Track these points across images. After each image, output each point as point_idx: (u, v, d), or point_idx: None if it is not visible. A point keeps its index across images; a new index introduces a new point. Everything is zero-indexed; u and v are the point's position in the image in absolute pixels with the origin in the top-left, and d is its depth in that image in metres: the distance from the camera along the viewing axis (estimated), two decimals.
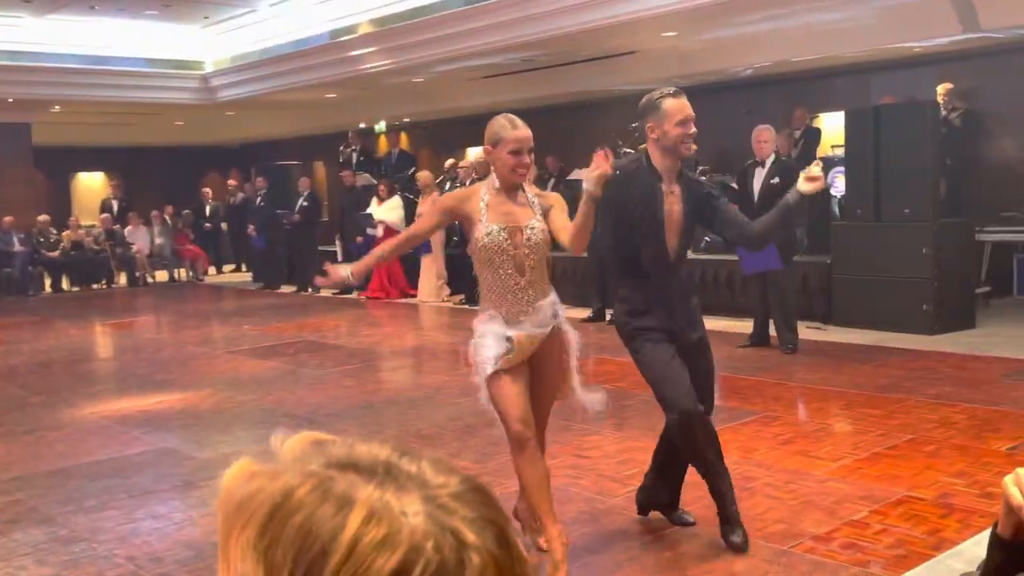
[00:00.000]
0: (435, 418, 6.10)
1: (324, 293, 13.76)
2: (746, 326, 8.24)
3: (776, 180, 7.38)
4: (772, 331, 7.88)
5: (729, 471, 3.77)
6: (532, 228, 3.45)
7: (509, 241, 3.43)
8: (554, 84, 13.94)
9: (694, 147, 3.68)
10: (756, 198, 7.47)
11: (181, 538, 4.14)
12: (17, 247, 14.78)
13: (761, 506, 4.17)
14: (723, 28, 10.80)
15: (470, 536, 0.58)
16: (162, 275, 16.66)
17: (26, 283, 14.86)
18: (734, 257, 8.50)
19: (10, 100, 14.85)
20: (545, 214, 3.51)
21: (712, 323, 9.03)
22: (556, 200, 3.58)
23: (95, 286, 15.75)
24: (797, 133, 11.16)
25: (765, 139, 7.62)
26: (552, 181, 12.78)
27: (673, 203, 3.65)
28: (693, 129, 3.57)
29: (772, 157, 7.62)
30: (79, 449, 5.67)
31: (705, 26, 10.70)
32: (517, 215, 3.48)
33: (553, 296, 3.56)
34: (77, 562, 3.90)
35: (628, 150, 10.96)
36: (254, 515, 0.59)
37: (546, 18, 10.64)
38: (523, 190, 3.55)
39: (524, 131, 3.42)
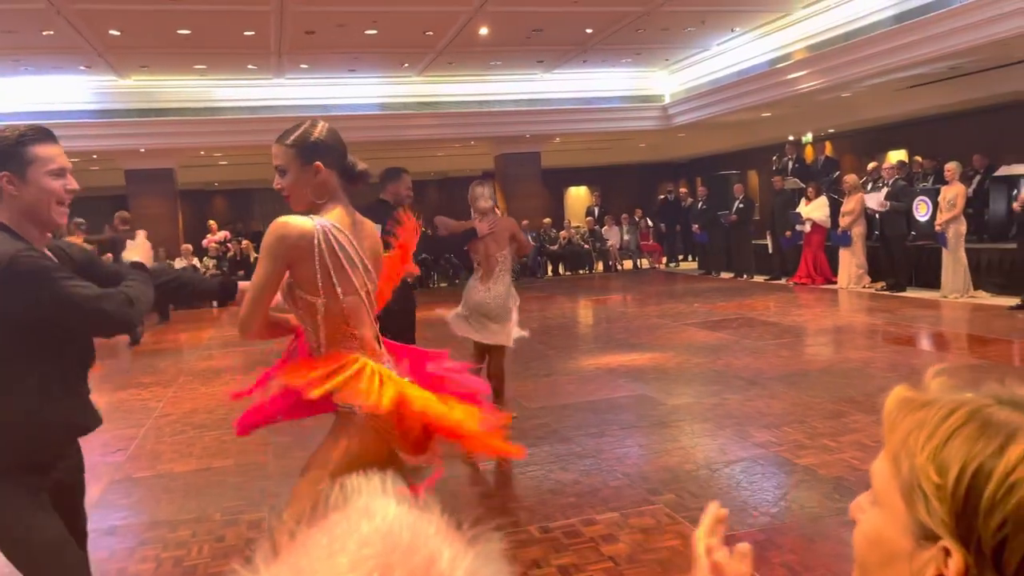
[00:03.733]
0: (865, 388, 5.68)
1: (757, 279, 13.44)
2: None
3: None
4: None
5: None
6: None
7: None
8: (981, 88, 12.07)
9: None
10: None
11: (660, 463, 4.36)
12: (530, 242, 16.53)
13: None
14: None
15: None
16: (628, 264, 17.49)
17: (536, 268, 16.58)
18: None
19: (527, 136, 16.61)
20: None
21: None
22: None
23: (580, 271, 17.03)
24: None
25: None
26: (977, 178, 11.12)
27: None
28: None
29: None
30: (582, 390, 6.22)
31: None
32: None
33: None
34: (588, 472, 4.29)
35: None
36: (919, 426, 0.60)
37: (979, 27, 9.25)
38: None
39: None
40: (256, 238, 17.45)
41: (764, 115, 15.43)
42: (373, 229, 2.37)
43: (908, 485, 0.60)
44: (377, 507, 0.58)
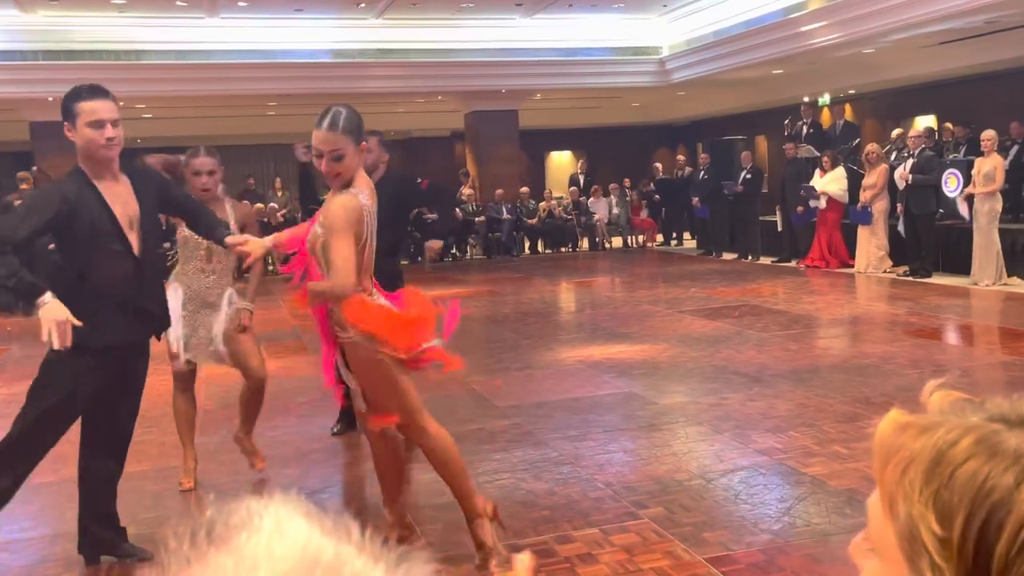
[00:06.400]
0: (884, 387, 5.73)
1: (763, 261, 13.55)
2: None
3: None
4: None
5: None
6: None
7: None
8: (1021, 46, 12.18)
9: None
10: None
11: (649, 472, 4.37)
12: (505, 215, 16.50)
13: None
14: None
15: None
16: (617, 241, 17.53)
17: (511, 245, 16.56)
18: None
19: (502, 91, 16.52)
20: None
21: None
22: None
23: (563, 249, 17.04)
24: None
25: None
26: (1015, 148, 11.25)
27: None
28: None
29: None
30: (560, 386, 6.22)
31: None
32: None
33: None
34: (565, 481, 4.29)
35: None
36: (916, 460, 0.58)
37: None
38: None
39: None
40: None
41: (776, 72, 15.47)
42: (374, 187, 3.26)
43: (907, 535, 0.58)
44: (289, 526, 0.57)
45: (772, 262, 13.34)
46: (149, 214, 3.41)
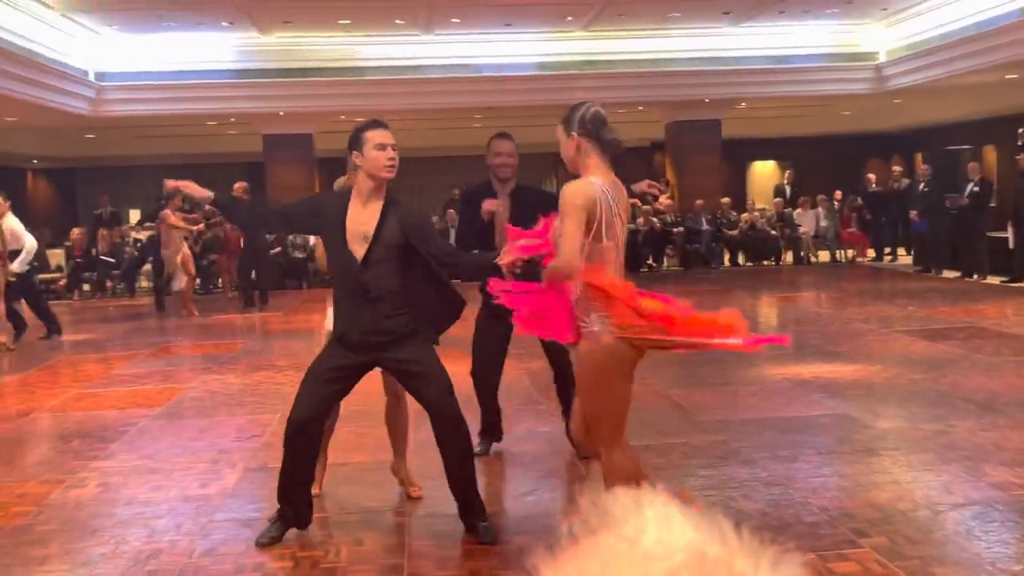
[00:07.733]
0: None
1: (990, 280, 12.49)
2: None
3: None
4: None
5: None
6: None
7: None
8: None
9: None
10: None
11: (868, 499, 4.13)
12: (704, 226, 16.17)
13: None
14: None
15: None
16: (824, 255, 16.74)
17: (710, 257, 16.21)
18: None
19: (706, 100, 16.23)
20: None
21: None
22: None
23: (765, 262, 16.47)
24: None
25: None
26: None
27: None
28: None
29: None
30: (769, 404, 6.01)
31: None
32: None
33: None
34: (778, 503, 4.14)
35: None
36: None
37: None
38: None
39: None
40: None
41: (1009, 77, 14.24)
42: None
43: None
44: (673, 520, 0.59)
45: (1001, 282, 12.28)
46: (386, 236, 3.72)
